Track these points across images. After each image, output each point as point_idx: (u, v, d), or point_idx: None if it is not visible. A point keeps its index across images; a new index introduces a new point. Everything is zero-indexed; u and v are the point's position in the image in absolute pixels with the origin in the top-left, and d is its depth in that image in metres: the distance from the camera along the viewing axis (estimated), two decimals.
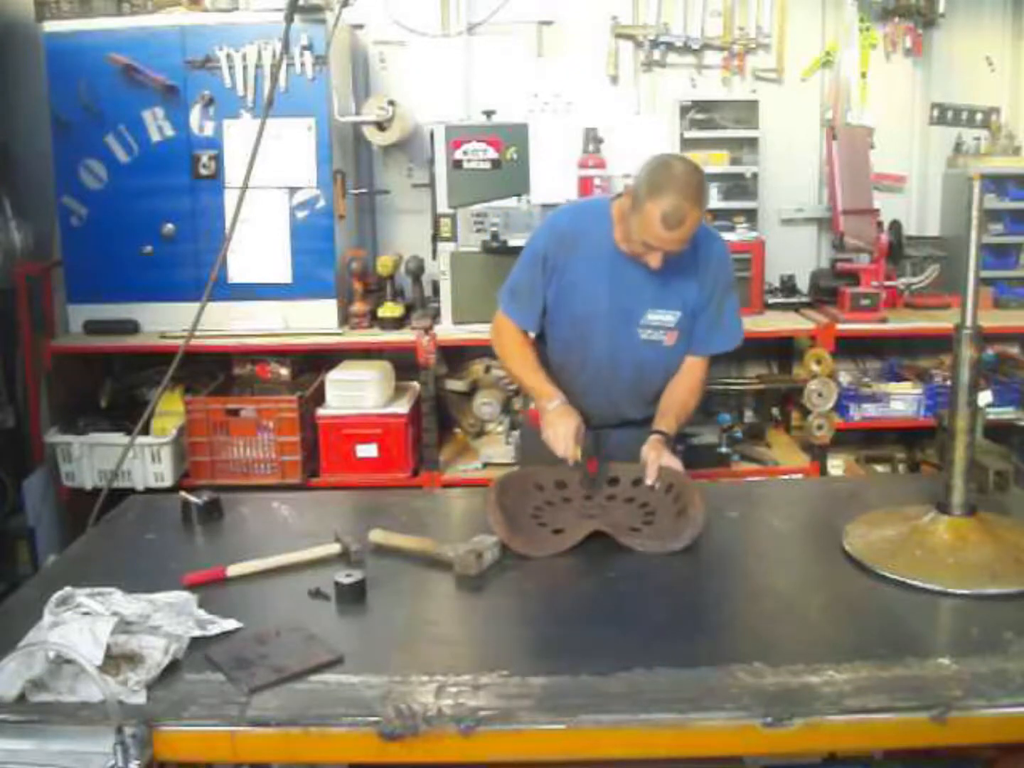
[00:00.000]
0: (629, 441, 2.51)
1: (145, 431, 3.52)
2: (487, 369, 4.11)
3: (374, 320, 3.91)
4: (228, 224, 3.32)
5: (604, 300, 2.45)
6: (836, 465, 4.05)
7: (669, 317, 2.46)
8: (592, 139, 4.13)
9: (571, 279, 2.47)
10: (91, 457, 3.73)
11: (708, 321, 2.50)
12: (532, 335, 2.62)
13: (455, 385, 4.09)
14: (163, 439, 3.70)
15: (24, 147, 4.07)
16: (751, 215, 4.23)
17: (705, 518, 2.07)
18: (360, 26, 4.23)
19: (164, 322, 3.79)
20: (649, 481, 2.28)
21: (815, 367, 3.79)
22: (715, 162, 4.23)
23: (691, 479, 2.31)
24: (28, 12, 3.80)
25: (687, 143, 4.19)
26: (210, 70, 3.73)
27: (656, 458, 2.31)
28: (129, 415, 3.62)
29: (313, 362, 4.09)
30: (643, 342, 2.47)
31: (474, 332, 3.77)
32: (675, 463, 2.33)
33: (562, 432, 2.35)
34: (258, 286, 3.85)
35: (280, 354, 3.98)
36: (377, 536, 2.11)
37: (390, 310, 3.90)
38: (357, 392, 3.74)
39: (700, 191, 2.25)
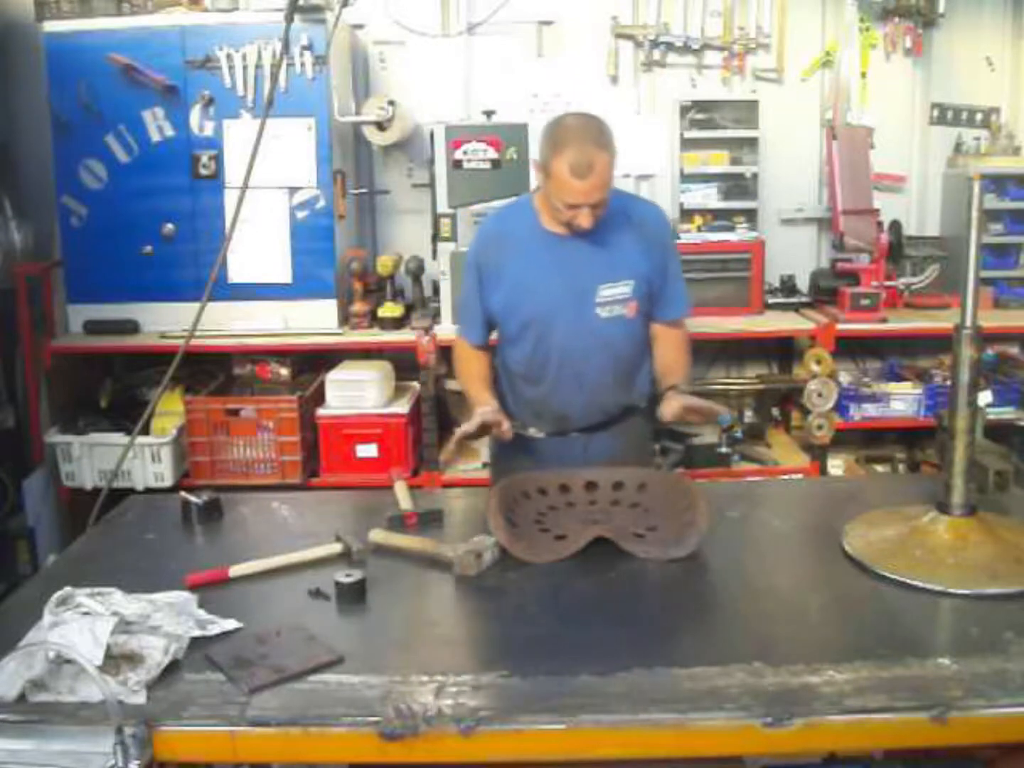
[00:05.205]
0: (614, 446, 2.51)
1: (145, 431, 3.52)
2: None
3: (374, 320, 3.91)
4: (228, 224, 3.32)
5: (552, 288, 2.41)
6: (836, 465, 4.05)
7: (624, 288, 2.41)
8: None
9: (511, 281, 2.44)
10: (91, 457, 3.74)
11: (670, 285, 2.49)
12: (486, 351, 2.61)
13: (455, 385, 4.09)
14: (163, 439, 3.70)
15: (24, 147, 4.07)
16: (751, 215, 4.23)
17: (710, 525, 2.06)
18: (360, 26, 4.23)
19: (164, 322, 3.79)
20: (670, 417, 2.32)
21: (815, 367, 3.79)
22: (715, 162, 4.24)
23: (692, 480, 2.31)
24: (28, 12, 3.79)
25: (687, 143, 4.19)
26: (210, 70, 3.73)
27: (679, 404, 2.32)
28: (129, 415, 3.62)
29: (313, 362, 4.08)
30: (605, 320, 2.42)
31: None
32: (698, 400, 2.35)
33: (461, 428, 2.39)
34: (258, 286, 3.85)
35: (280, 354, 3.97)
36: (377, 536, 2.11)
37: (390, 310, 3.90)
38: (357, 392, 3.74)
39: (601, 134, 2.25)
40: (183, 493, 2.36)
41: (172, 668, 1.58)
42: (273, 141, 3.54)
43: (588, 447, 2.53)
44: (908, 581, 1.85)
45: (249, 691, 1.53)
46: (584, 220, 2.29)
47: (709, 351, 4.32)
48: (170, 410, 3.74)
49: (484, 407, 2.41)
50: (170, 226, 3.81)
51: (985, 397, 3.44)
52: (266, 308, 3.85)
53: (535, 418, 2.56)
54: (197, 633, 1.68)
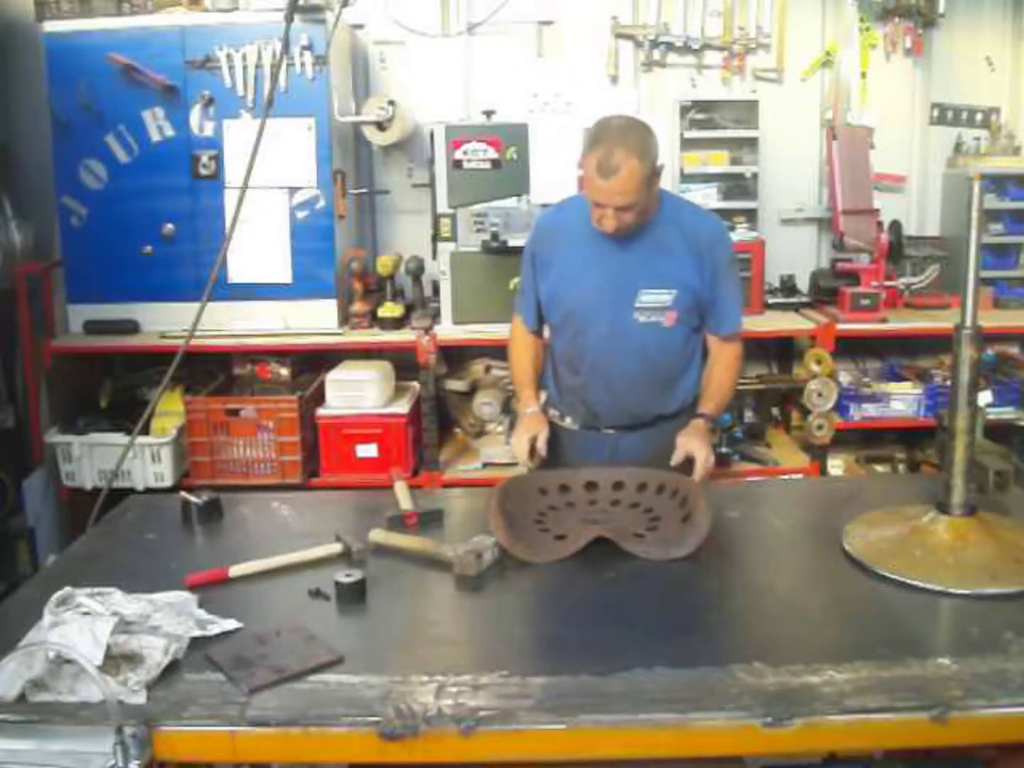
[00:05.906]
0: (646, 447, 2.50)
1: (145, 431, 3.52)
2: (487, 369, 4.11)
3: (374, 320, 3.91)
4: (228, 224, 3.32)
5: (592, 285, 2.43)
6: (836, 465, 4.05)
7: (665, 297, 2.41)
8: None
9: (558, 271, 2.48)
10: (91, 457, 3.74)
11: (721, 300, 2.47)
12: (539, 337, 2.67)
13: (455, 385, 4.09)
14: (163, 439, 3.70)
15: (24, 147, 4.07)
16: (751, 215, 4.23)
17: (710, 525, 2.06)
18: (360, 26, 4.23)
19: (164, 322, 3.79)
20: (672, 463, 2.32)
21: (815, 367, 3.79)
22: (715, 162, 4.24)
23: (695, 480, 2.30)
24: (28, 12, 3.80)
25: (687, 143, 4.19)
26: (210, 70, 3.73)
27: (684, 443, 2.35)
28: (129, 415, 3.63)
29: (313, 362, 4.08)
30: (642, 325, 2.42)
31: (474, 332, 3.77)
32: (704, 451, 2.35)
33: (516, 439, 2.50)
34: (258, 286, 3.85)
35: (280, 354, 3.97)
36: (377, 536, 2.11)
37: (390, 310, 3.90)
38: (357, 392, 3.74)
39: (639, 141, 2.25)
40: (183, 493, 2.35)
41: (172, 668, 1.58)
42: (273, 141, 3.53)
43: (618, 446, 2.54)
44: (908, 581, 1.85)
45: (249, 691, 1.53)
46: (608, 223, 2.30)
47: None
48: (170, 410, 3.74)
49: (527, 407, 2.55)
50: (170, 226, 3.81)
51: (985, 397, 3.45)
52: (266, 308, 3.85)
53: (570, 408, 2.61)
54: (197, 633, 1.68)
